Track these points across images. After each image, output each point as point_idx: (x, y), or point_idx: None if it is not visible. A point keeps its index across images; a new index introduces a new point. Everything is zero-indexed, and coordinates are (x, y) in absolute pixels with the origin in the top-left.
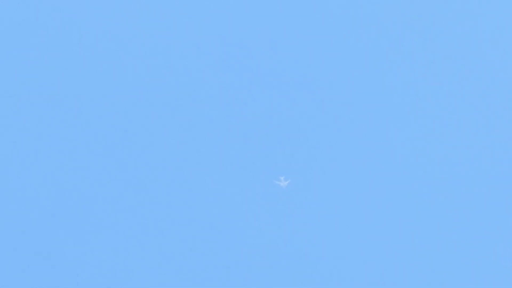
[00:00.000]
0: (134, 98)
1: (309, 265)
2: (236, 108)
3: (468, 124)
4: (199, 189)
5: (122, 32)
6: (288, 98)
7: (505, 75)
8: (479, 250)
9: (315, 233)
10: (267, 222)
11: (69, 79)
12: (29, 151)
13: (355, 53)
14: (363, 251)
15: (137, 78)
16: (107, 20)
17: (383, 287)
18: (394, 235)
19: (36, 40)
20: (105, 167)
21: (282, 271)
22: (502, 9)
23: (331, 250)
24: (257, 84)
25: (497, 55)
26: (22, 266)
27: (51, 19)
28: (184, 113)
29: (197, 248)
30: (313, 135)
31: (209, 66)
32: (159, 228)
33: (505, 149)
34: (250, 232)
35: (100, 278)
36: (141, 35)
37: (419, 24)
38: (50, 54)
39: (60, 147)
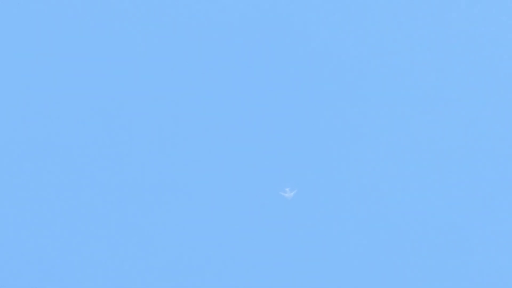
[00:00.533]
0: (136, 98)
1: (315, 276)
2: (241, 118)
3: (468, 124)
4: (204, 201)
5: (122, 32)
6: (293, 109)
7: (505, 75)
8: (479, 250)
9: (320, 243)
10: (272, 233)
11: (69, 79)
12: (29, 151)
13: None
14: (369, 263)
15: (137, 78)
16: (107, 20)
17: None
18: (400, 248)
19: (36, 40)
20: (109, 167)
21: (288, 282)
22: (503, 9)
23: (337, 262)
24: (264, 93)
25: (497, 55)
26: (22, 266)
27: (51, 18)
28: (188, 122)
29: (200, 260)
30: (320, 145)
31: (216, 73)
32: (157, 236)
33: (505, 149)
34: (255, 243)
35: (100, 278)
36: (141, 35)
37: (419, 24)
38: (50, 54)
39: (60, 147)
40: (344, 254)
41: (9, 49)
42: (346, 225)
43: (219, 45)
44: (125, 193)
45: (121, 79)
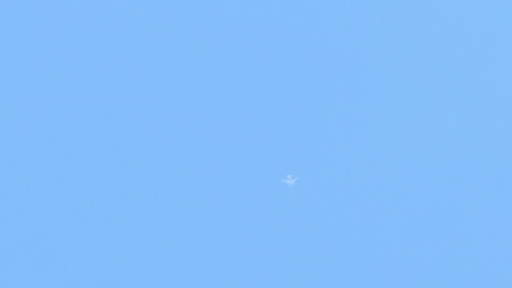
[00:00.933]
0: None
1: (315, 264)
2: (243, 108)
3: (468, 124)
4: (206, 189)
5: (122, 31)
6: (294, 98)
7: (505, 75)
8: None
9: (321, 231)
10: (274, 220)
11: (69, 79)
12: (29, 151)
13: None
14: (369, 251)
15: (136, 78)
16: (107, 19)
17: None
18: (399, 234)
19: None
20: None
21: (289, 270)
22: (502, 9)
23: (338, 249)
24: (264, 84)
25: (497, 55)
26: (22, 266)
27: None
28: (189, 114)
29: (204, 248)
30: (320, 134)
31: (215, 67)
32: (164, 228)
33: (505, 149)
34: (257, 231)
35: (100, 278)
36: (141, 35)
37: (418, 25)
38: (50, 54)
39: (60, 147)
40: (350, 253)
41: (9, 49)
42: (353, 225)
43: (219, 44)
44: (125, 194)
45: (121, 79)
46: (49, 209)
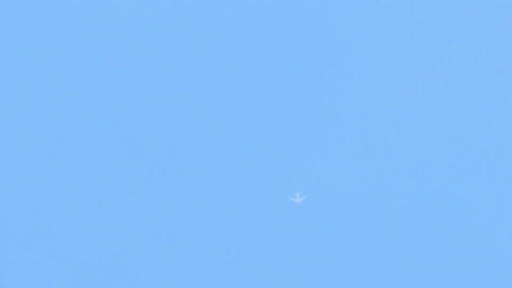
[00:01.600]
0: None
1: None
2: (250, 123)
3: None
4: (213, 206)
5: (122, 31)
6: (302, 112)
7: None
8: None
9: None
10: (282, 239)
11: (68, 79)
12: (28, 151)
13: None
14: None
15: (136, 78)
16: (107, 19)
17: None
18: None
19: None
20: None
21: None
22: (502, 9)
23: (347, 268)
24: (273, 97)
25: (497, 55)
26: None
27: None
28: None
29: (209, 265)
30: (328, 149)
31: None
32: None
33: (505, 149)
34: (264, 249)
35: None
36: (141, 35)
37: (419, 25)
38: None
39: (59, 147)
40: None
41: (9, 49)
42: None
43: (218, 44)
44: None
45: (120, 79)
46: (49, 209)
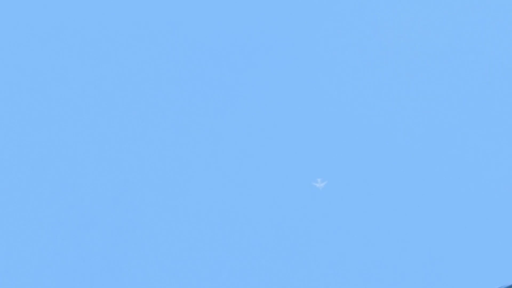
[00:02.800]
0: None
1: (346, 267)
2: (271, 111)
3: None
4: (235, 191)
5: (122, 31)
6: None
7: (505, 75)
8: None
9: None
10: (303, 224)
11: (68, 79)
12: (28, 150)
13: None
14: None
15: (139, 78)
16: (106, 19)
17: None
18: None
19: (35, 40)
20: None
21: (318, 272)
22: (502, 9)
23: (367, 252)
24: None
25: (497, 55)
26: (23, 266)
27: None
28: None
29: (228, 250)
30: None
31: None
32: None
33: (505, 149)
34: (286, 234)
35: (99, 278)
36: (141, 35)
37: (418, 25)
38: (49, 54)
39: (59, 147)
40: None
41: (10, 49)
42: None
43: (219, 45)
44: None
45: (120, 79)
46: (49, 209)
